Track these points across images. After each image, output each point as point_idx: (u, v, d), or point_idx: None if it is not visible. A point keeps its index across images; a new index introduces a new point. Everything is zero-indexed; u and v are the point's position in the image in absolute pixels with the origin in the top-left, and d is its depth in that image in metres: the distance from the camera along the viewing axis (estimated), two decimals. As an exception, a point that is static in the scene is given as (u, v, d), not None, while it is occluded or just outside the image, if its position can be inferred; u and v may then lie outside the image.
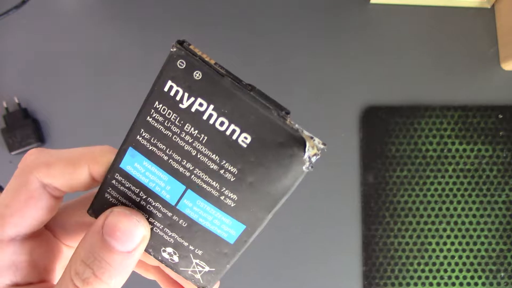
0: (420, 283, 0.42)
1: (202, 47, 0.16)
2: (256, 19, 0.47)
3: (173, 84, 0.16)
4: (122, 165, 0.18)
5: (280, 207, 0.17)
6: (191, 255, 0.19)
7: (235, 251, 0.18)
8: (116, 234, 0.17)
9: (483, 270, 0.42)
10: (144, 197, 0.18)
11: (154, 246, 0.19)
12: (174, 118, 0.16)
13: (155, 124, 0.16)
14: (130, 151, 0.17)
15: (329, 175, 0.44)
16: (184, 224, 0.18)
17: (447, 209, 0.43)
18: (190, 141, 0.16)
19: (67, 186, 0.18)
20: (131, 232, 0.17)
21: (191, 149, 0.16)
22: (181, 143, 0.16)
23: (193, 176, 0.17)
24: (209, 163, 0.17)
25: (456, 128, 0.44)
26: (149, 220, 0.18)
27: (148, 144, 0.17)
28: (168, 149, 0.17)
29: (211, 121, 0.16)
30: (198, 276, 0.19)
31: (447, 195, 0.43)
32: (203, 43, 0.47)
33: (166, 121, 0.16)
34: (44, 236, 0.20)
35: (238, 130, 0.16)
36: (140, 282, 0.27)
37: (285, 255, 0.43)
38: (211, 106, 0.16)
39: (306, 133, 0.16)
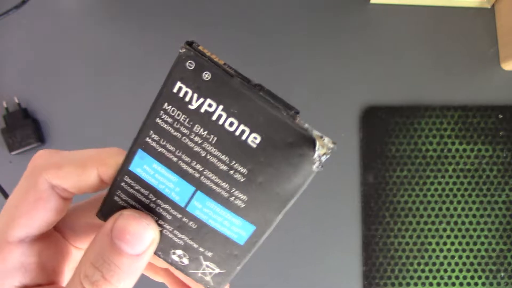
0: (420, 283, 0.42)
1: (201, 46, 0.16)
2: (256, 19, 0.47)
3: (182, 85, 0.16)
4: (131, 168, 0.18)
5: (290, 207, 0.17)
6: (201, 257, 0.19)
7: (245, 252, 0.18)
8: (126, 237, 0.17)
9: (483, 270, 0.42)
10: (153, 199, 0.18)
11: (163, 248, 0.19)
12: (184, 119, 0.16)
13: (164, 126, 0.16)
14: (139, 153, 0.17)
15: (329, 175, 0.44)
16: (194, 225, 0.18)
17: (447, 209, 0.43)
18: (199, 142, 0.16)
19: (76, 187, 0.18)
20: (141, 235, 0.17)
21: (200, 150, 0.16)
22: (190, 144, 0.16)
23: (202, 177, 0.17)
24: (218, 164, 0.16)
25: (456, 128, 0.44)
26: (159, 222, 0.18)
27: (157, 145, 0.17)
28: (177, 151, 0.17)
29: (221, 122, 0.16)
30: (208, 278, 0.19)
31: (447, 195, 0.43)
32: (203, 43, 0.47)
33: (175, 123, 0.16)
34: (53, 238, 0.20)
35: (247, 131, 0.16)
36: (148, 285, 0.27)
37: (285, 255, 0.43)
38: (221, 107, 0.16)
39: (315, 132, 0.16)
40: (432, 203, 0.43)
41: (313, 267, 0.43)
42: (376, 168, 0.43)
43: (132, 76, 0.46)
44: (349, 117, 0.45)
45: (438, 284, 0.42)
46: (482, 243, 0.42)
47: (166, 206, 0.18)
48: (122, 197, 0.18)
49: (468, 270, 0.42)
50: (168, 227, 0.18)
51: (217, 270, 0.19)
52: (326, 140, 0.15)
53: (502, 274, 0.42)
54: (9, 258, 0.18)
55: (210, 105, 0.16)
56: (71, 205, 0.21)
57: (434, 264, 0.42)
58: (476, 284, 0.42)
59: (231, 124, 0.16)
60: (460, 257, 0.42)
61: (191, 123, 0.16)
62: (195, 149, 0.16)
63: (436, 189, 0.43)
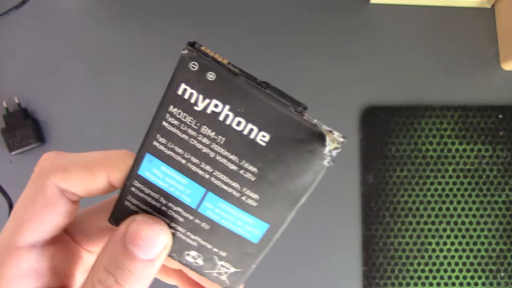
0: (420, 283, 0.42)
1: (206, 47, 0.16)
2: (256, 19, 0.47)
3: (187, 87, 0.15)
4: (140, 172, 0.17)
5: (303, 203, 0.17)
6: (215, 257, 0.19)
7: (260, 251, 0.18)
8: (138, 243, 0.17)
9: (483, 270, 0.42)
10: (164, 202, 0.18)
11: (177, 250, 0.19)
12: (190, 121, 0.16)
13: (171, 128, 0.16)
14: (148, 157, 0.17)
15: (329, 175, 0.44)
16: (207, 226, 0.18)
17: (447, 209, 0.43)
18: (207, 143, 0.16)
19: (85, 191, 0.18)
20: (153, 241, 0.17)
21: (209, 151, 0.16)
22: (198, 145, 0.16)
23: (212, 178, 0.17)
24: (228, 164, 0.16)
25: (456, 128, 0.44)
26: (171, 225, 0.18)
27: (165, 149, 0.17)
28: (185, 153, 0.16)
29: (228, 122, 0.16)
30: (224, 277, 0.19)
31: (447, 195, 0.43)
32: (203, 42, 0.47)
33: (182, 125, 0.16)
34: (64, 242, 0.20)
35: (256, 129, 0.16)
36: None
37: (285, 255, 0.43)
38: (227, 107, 0.15)
39: (325, 127, 0.15)
40: (432, 203, 0.43)
41: (313, 267, 0.43)
42: (376, 168, 0.43)
43: (132, 76, 0.46)
44: (349, 117, 0.45)
45: (438, 284, 0.42)
46: (482, 243, 0.42)
47: (178, 209, 0.18)
48: (133, 201, 0.18)
49: (468, 270, 0.42)
50: (181, 229, 0.18)
51: (232, 269, 0.19)
52: (336, 134, 0.15)
53: (502, 274, 0.42)
54: (20, 264, 0.18)
55: (216, 106, 0.15)
56: (83, 209, 0.21)
57: (434, 264, 0.42)
58: (476, 284, 0.42)
59: (238, 123, 0.16)
60: (460, 257, 0.42)
61: (198, 124, 0.16)
62: (204, 150, 0.16)
63: (436, 189, 0.43)
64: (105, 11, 0.47)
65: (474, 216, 0.43)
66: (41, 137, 0.45)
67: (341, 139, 0.15)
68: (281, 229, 0.17)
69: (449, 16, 0.46)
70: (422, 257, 0.42)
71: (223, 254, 0.18)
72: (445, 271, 0.42)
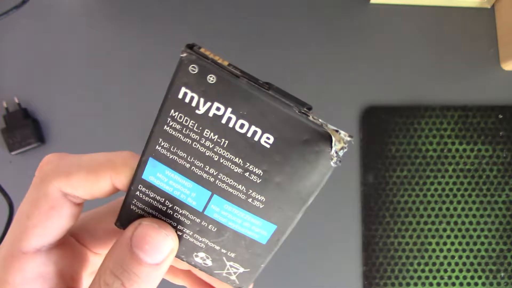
0: (420, 283, 0.42)
1: (201, 46, 0.15)
2: (256, 19, 0.47)
3: (187, 91, 0.15)
4: (144, 176, 0.17)
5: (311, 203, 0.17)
6: (224, 258, 0.19)
7: (268, 251, 0.18)
8: (145, 247, 0.17)
9: (483, 270, 0.42)
10: (170, 205, 0.18)
11: (186, 252, 0.19)
12: (192, 124, 0.16)
13: (173, 133, 0.16)
14: (151, 161, 0.17)
15: (329, 175, 0.44)
16: (214, 229, 0.18)
17: (447, 209, 0.43)
18: (211, 146, 0.16)
19: (89, 195, 0.18)
20: (160, 245, 0.17)
21: (212, 155, 0.16)
22: (201, 149, 0.16)
23: (217, 181, 0.17)
24: (232, 167, 0.16)
25: (456, 128, 0.44)
26: (178, 227, 0.18)
27: (168, 153, 0.16)
28: (189, 157, 0.16)
29: (231, 125, 0.15)
30: (233, 277, 0.19)
31: (447, 195, 0.43)
32: (203, 43, 0.47)
33: (184, 129, 0.16)
34: (69, 244, 0.20)
35: (259, 131, 0.15)
36: None
37: (285, 255, 0.43)
38: (229, 109, 0.15)
39: (330, 127, 0.15)
40: (432, 203, 0.43)
41: (313, 267, 0.43)
42: (376, 168, 0.43)
43: (132, 76, 0.46)
44: (349, 117, 0.45)
45: (438, 284, 0.42)
46: (482, 243, 0.42)
47: (184, 212, 0.18)
48: (139, 205, 0.18)
49: (468, 270, 0.42)
50: (188, 231, 0.18)
51: (241, 270, 0.19)
52: (342, 134, 0.15)
53: (502, 274, 0.42)
54: (26, 269, 0.18)
55: (218, 109, 0.15)
56: (89, 210, 0.21)
57: (434, 264, 0.42)
58: (476, 284, 0.42)
59: (241, 126, 0.15)
60: (460, 257, 0.42)
61: (201, 128, 0.16)
62: (207, 153, 0.16)
63: (436, 189, 0.43)
64: (105, 11, 0.47)
65: (474, 216, 0.43)
66: (41, 137, 0.45)
67: (348, 138, 0.15)
68: (288, 230, 0.17)
69: (449, 16, 0.46)
70: (422, 257, 0.42)
71: (232, 255, 0.18)
72: (445, 271, 0.42)
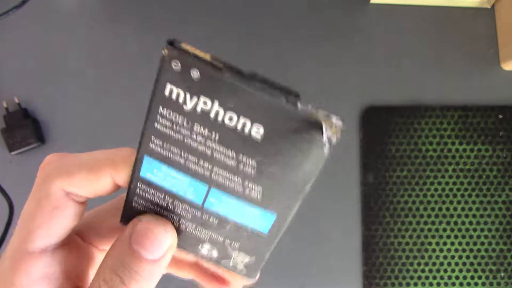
0: (420, 283, 0.42)
1: (201, 46, 0.15)
2: (256, 19, 0.47)
3: (173, 87, 0.15)
4: (142, 174, 0.17)
5: (308, 191, 0.16)
6: (229, 248, 0.19)
7: (270, 240, 0.18)
8: (144, 243, 0.17)
9: (483, 270, 0.42)
10: (170, 201, 0.18)
11: (191, 244, 0.19)
12: (182, 120, 0.16)
13: (164, 130, 0.16)
14: (146, 159, 0.17)
15: (329, 175, 0.44)
16: (215, 221, 0.18)
17: (447, 209, 0.43)
18: (202, 141, 0.16)
19: (91, 193, 0.18)
20: (159, 241, 0.17)
21: (205, 149, 0.16)
22: (194, 144, 0.16)
23: (213, 174, 0.17)
24: (226, 159, 0.16)
25: (456, 128, 0.44)
26: (181, 221, 0.18)
27: (162, 150, 0.16)
28: (182, 152, 0.16)
29: (219, 118, 0.15)
30: (240, 266, 0.19)
31: (447, 195, 0.43)
32: (203, 42, 0.47)
33: (175, 125, 0.16)
34: (74, 243, 0.20)
35: (248, 123, 0.15)
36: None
37: (285, 255, 0.43)
38: (216, 103, 0.15)
39: (321, 113, 0.15)
40: (432, 203, 0.43)
41: (313, 266, 0.43)
42: (376, 168, 0.43)
43: (132, 76, 0.46)
44: (349, 117, 0.45)
45: (438, 284, 0.42)
46: (482, 243, 0.42)
47: (184, 206, 0.18)
48: (140, 202, 0.18)
49: (468, 270, 0.42)
50: (190, 225, 0.18)
51: (247, 259, 0.19)
52: (334, 119, 0.15)
53: (502, 274, 0.42)
54: (33, 270, 0.18)
55: (205, 103, 0.15)
56: (93, 208, 0.21)
57: (434, 264, 0.42)
58: (476, 284, 0.42)
59: (230, 119, 0.15)
60: (460, 257, 0.42)
61: (190, 123, 0.15)
62: (200, 148, 0.16)
63: (436, 189, 0.43)
64: (105, 11, 0.47)
65: (474, 216, 0.43)
66: (41, 137, 0.45)
67: (340, 123, 0.15)
68: (289, 218, 0.17)
69: (449, 16, 0.46)
70: (422, 257, 0.42)
71: (236, 245, 0.18)
72: (445, 271, 0.42)
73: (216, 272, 0.22)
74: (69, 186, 0.18)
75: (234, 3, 0.47)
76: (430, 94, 0.45)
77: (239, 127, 0.15)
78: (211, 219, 0.18)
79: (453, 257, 0.42)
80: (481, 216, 0.43)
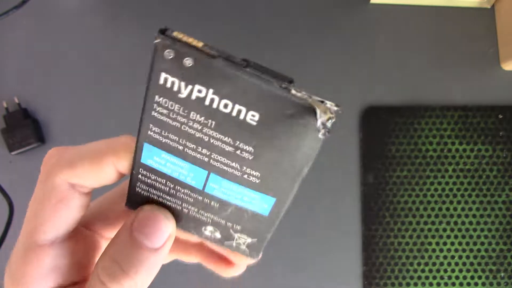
0: (420, 283, 0.42)
1: (195, 36, 0.15)
2: (256, 18, 0.47)
3: (167, 76, 0.15)
4: (143, 160, 0.18)
5: (306, 175, 0.17)
6: (231, 230, 0.19)
7: (271, 222, 0.18)
8: (144, 230, 0.17)
9: (483, 270, 0.42)
10: (172, 186, 0.18)
11: (195, 227, 0.19)
12: (178, 108, 0.16)
13: (162, 118, 0.16)
14: (146, 146, 0.17)
15: (329, 175, 0.44)
16: (216, 205, 0.18)
17: (447, 209, 0.43)
18: (199, 128, 0.16)
19: (95, 183, 0.18)
20: (160, 230, 0.18)
21: (202, 136, 0.16)
22: (191, 131, 0.16)
23: (211, 160, 0.17)
24: (223, 146, 0.16)
25: (456, 128, 0.44)
26: (183, 205, 0.19)
27: (160, 137, 0.17)
28: (180, 139, 0.16)
29: (215, 105, 0.15)
30: (243, 247, 0.20)
31: (447, 195, 0.43)
32: (203, 40, 0.47)
33: (171, 113, 0.16)
34: (81, 234, 0.20)
35: (244, 109, 0.15)
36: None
37: (285, 255, 0.43)
38: (211, 91, 0.15)
39: (315, 98, 0.15)
40: (432, 203, 0.43)
41: (313, 267, 0.43)
42: (376, 168, 0.43)
43: (132, 76, 0.46)
44: (349, 117, 0.45)
45: (438, 284, 0.42)
46: (482, 243, 0.42)
47: (186, 191, 0.18)
48: (143, 187, 0.18)
49: (468, 270, 0.42)
50: (192, 208, 0.19)
51: (249, 240, 0.19)
52: (328, 104, 0.15)
53: (502, 274, 0.42)
54: (43, 262, 0.18)
55: (200, 91, 0.15)
56: (97, 198, 0.22)
57: (434, 264, 0.42)
58: (476, 284, 0.42)
59: (225, 106, 0.15)
60: (460, 257, 0.42)
61: (186, 111, 0.16)
62: (197, 135, 0.16)
63: (436, 189, 0.43)
64: (105, 11, 0.47)
65: (474, 216, 0.43)
66: (41, 137, 0.45)
67: (335, 108, 0.15)
68: (288, 201, 0.18)
69: (449, 16, 0.46)
70: (422, 257, 0.42)
71: (238, 227, 0.19)
72: (445, 271, 0.42)
73: (221, 253, 0.23)
74: (73, 178, 0.18)
75: (235, 2, 0.47)
76: (430, 94, 0.45)
77: (234, 113, 0.15)
78: (212, 203, 0.18)
79: (453, 257, 0.42)
80: (481, 216, 0.43)
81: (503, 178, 0.43)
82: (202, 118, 0.16)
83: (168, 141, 0.17)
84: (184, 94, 0.15)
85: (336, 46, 0.46)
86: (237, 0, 0.47)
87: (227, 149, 0.16)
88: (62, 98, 0.46)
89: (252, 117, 0.15)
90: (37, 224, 0.18)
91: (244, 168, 0.17)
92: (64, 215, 0.18)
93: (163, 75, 0.15)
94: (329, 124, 0.15)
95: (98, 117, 0.45)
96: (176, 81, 0.15)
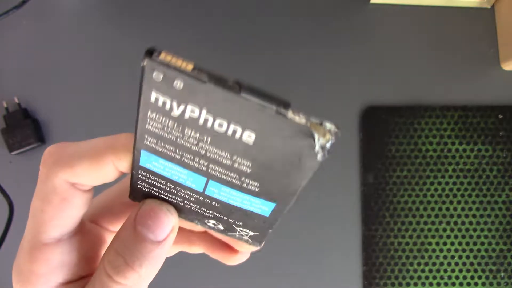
0: (420, 283, 0.42)
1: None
2: (256, 19, 0.47)
3: (158, 95, 0.14)
4: (142, 164, 0.18)
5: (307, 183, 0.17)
6: (233, 225, 0.19)
7: (272, 221, 0.19)
8: (148, 223, 0.18)
9: (483, 270, 0.42)
10: (172, 186, 0.18)
11: (198, 219, 0.20)
12: (171, 124, 0.15)
13: (156, 131, 0.16)
14: (144, 153, 0.17)
15: (329, 175, 0.44)
16: (217, 204, 0.18)
17: (447, 209, 0.43)
18: (195, 142, 0.16)
19: (95, 181, 0.18)
20: (162, 222, 0.18)
21: (199, 149, 0.16)
22: (187, 144, 0.16)
23: (209, 170, 0.17)
24: (220, 159, 0.16)
25: (456, 128, 0.44)
26: (185, 202, 0.19)
27: (157, 147, 0.16)
28: (177, 150, 0.16)
29: (209, 125, 0.15)
30: (246, 237, 0.20)
31: (447, 195, 0.43)
32: (203, 42, 0.47)
33: (165, 127, 0.16)
34: (86, 229, 0.20)
35: (239, 129, 0.15)
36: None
37: (285, 255, 0.43)
38: (204, 111, 0.14)
39: (313, 121, 0.14)
40: (432, 203, 0.43)
41: (313, 267, 0.43)
42: (376, 168, 0.43)
43: (133, 76, 0.46)
44: (349, 117, 0.45)
45: (438, 284, 0.42)
46: (482, 243, 0.42)
47: (186, 191, 0.18)
48: (144, 185, 0.19)
49: (468, 270, 0.42)
50: (194, 205, 0.19)
51: (251, 233, 0.20)
52: (328, 125, 0.14)
53: (502, 274, 0.42)
54: (50, 260, 0.18)
55: (193, 111, 0.15)
56: (102, 193, 0.22)
57: (434, 264, 0.42)
58: (476, 284, 0.42)
59: (220, 125, 0.15)
60: (460, 257, 0.42)
61: (180, 127, 0.15)
62: (194, 148, 0.16)
63: (436, 189, 0.43)
64: (105, 11, 0.47)
65: (474, 216, 0.43)
66: (41, 137, 0.45)
67: (334, 129, 0.14)
68: (289, 205, 0.18)
69: (449, 16, 0.46)
70: (422, 257, 0.42)
71: (240, 223, 0.19)
72: (445, 271, 0.42)
73: (225, 241, 0.23)
74: (73, 177, 0.18)
75: (234, 2, 0.47)
76: (430, 94, 0.45)
77: (229, 133, 0.15)
78: (213, 203, 0.18)
79: (453, 257, 0.42)
80: (481, 216, 0.43)
81: (503, 178, 0.43)
82: (198, 134, 0.15)
83: (165, 150, 0.17)
84: (177, 112, 0.15)
85: (336, 46, 0.46)
86: (237, 0, 0.47)
87: (224, 162, 0.16)
88: (62, 98, 0.46)
89: (249, 137, 0.15)
90: (41, 224, 0.18)
91: (243, 178, 0.17)
92: (67, 214, 0.18)
93: (154, 94, 0.15)
94: (328, 146, 0.15)
95: (98, 117, 0.45)
96: (168, 100, 0.15)
